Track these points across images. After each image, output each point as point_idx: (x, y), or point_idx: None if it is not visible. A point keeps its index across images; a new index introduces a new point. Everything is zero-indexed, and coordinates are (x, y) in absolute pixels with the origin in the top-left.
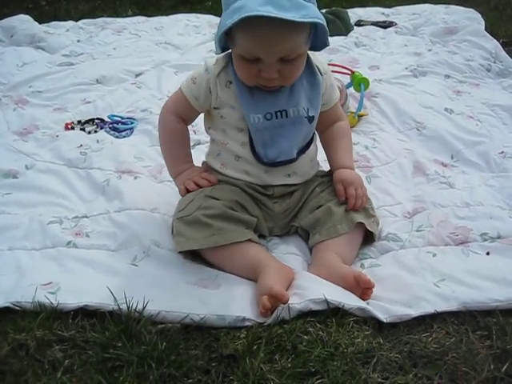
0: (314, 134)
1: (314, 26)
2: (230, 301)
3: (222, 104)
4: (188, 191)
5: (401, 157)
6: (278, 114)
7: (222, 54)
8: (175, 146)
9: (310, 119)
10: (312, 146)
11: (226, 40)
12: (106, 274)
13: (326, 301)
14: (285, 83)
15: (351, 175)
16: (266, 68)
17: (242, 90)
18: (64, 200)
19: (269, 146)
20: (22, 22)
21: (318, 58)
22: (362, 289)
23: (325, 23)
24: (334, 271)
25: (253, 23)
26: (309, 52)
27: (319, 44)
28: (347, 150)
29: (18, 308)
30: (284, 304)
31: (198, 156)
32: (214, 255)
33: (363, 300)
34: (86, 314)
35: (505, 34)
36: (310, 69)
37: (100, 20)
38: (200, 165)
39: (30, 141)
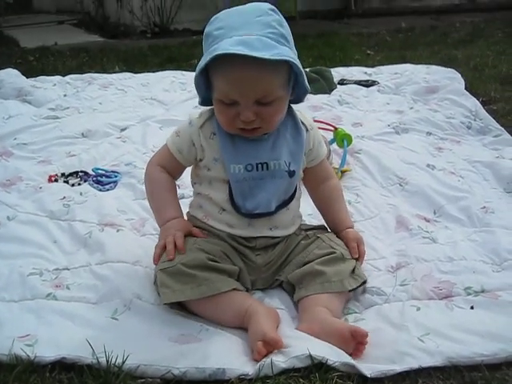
0: (297, 189)
1: (293, 71)
2: (209, 353)
3: (207, 156)
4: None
5: (384, 212)
6: (259, 165)
7: (208, 108)
8: (160, 192)
9: (291, 173)
10: (296, 202)
11: (206, 88)
12: (86, 327)
13: (310, 356)
14: (266, 129)
15: (359, 234)
16: (243, 110)
17: (224, 140)
18: (45, 252)
19: (247, 197)
20: (10, 76)
21: (304, 114)
22: (356, 343)
23: (298, 63)
24: (327, 326)
25: (226, 64)
26: (294, 109)
27: (301, 91)
28: (346, 210)
29: None
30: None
31: (182, 210)
32: (199, 305)
33: (355, 356)
34: (64, 367)
35: (484, 93)
36: (295, 123)
37: (87, 75)
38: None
39: (13, 192)
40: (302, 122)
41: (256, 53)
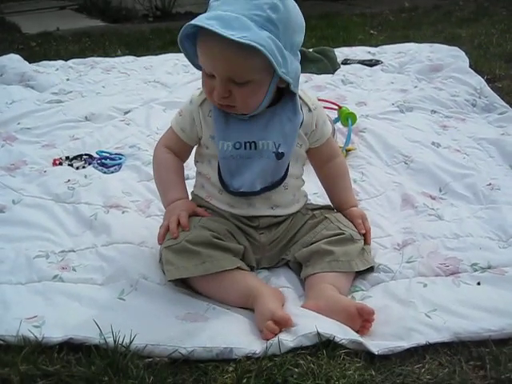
0: (288, 172)
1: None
2: (216, 333)
3: (204, 133)
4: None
5: (389, 190)
6: (247, 144)
7: None
8: (166, 174)
9: (279, 155)
10: (296, 181)
11: (195, 54)
12: (93, 307)
13: (318, 334)
14: (241, 109)
15: (363, 211)
16: (216, 85)
17: (217, 117)
18: (51, 234)
19: (234, 175)
20: (12, 62)
21: (309, 94)
22: (363, 321)
23: (266, 50)
24: (333, 303)
25: (204, 37)
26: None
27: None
28: (351, 189)
29: (1, 342)
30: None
31: (189, 190)
32: (204, 284)
33: (361, 334)
34: (72, 348)
35: (489, 70)
36: (293, 106)
37: (89, 59)
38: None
39: (18, 176)
40: (306, 103)
41: (225, 31)
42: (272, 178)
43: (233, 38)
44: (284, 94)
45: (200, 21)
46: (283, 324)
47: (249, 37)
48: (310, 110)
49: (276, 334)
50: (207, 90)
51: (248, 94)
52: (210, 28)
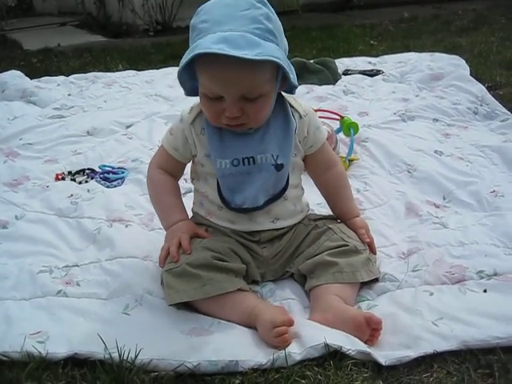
0: (288, 182)
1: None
2: (221, 346)
3: (199, 152)
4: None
5: (393, 199)
6: (245, 160)
7: (198, 102)
8: (163, 196)
9: (278, 167)
10: (296, 191)
11: (190, 78)
12: (97, 322)
13: (325, 345)
14: (252, 124)
15: (365, 222)
16: (228, 106)
17: (211, 135)
18: (54, 249)
19: (235, 192)
20: (14, 78)
21: (299, 101)
22: (371, 330)
23: (283, 61)
24: (341, 314)
25: (209, 62)
26: (289, 96)
27: (290, 85)
28: (353, 199)
29: (5, 359)
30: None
31: (190, 204)
32: (206, 306)
33: (369, 344)
34: (77, 363)
35: (489, 78)
36: (285, 115)
37: (91, 74)
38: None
39: (21, 191)
40: (296, 110)
41: (238, 51)
42: (274, 190)
43: (250, 57)
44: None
45: (208, 47)
46: (287, 324)
47: (263, 52)
48: (300, 116)
49: (287, 338)
50: (213, 113)
51: (260, 108)
52: (224, 53)
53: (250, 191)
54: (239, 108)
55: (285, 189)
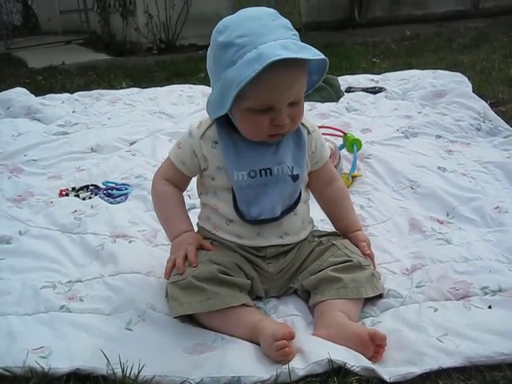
0: (301, 193)
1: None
2: (224, 362)
3: (210, 165)
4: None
5: (396, 215)
6: (263, 171)
7: (206, 117)
8: (168, 207)
9: (295, 178)
10: (304, 206)
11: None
12: (100, 338)
13: (329, 361)
14: (290, 129)
15: (367, 236)
16: (279, 114)
17: (226, 148)
18: (57, 265)
19: (252, 204)
20: (19, 95)
21: (306, 117)
22: (375, 346)
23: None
24: (345, 330)
25: (268, 70)
26: None
27: (309, 85)
28: (354, 213)
29: (8, 374)
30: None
31: (193, 220)
32: (209, 319)
33: (374, 360)
34: (79, 378)
35: (492, 95)
36: (297, 128)
37: (95, 92)
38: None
39: (25, 207)
40: (305, 125)
41: (300, 54)
42: (290, 201)
43: (313, 58)
44: None
45: (276, 55)
46: (288, 337)
47: (317, 53)
48: (309, 132)
49: (289, 351)
50: (260, 126)
51: (300, 111)
52: (295, 56)
53: (266, 202)
54: (287, 114)
55: (298, 201)
